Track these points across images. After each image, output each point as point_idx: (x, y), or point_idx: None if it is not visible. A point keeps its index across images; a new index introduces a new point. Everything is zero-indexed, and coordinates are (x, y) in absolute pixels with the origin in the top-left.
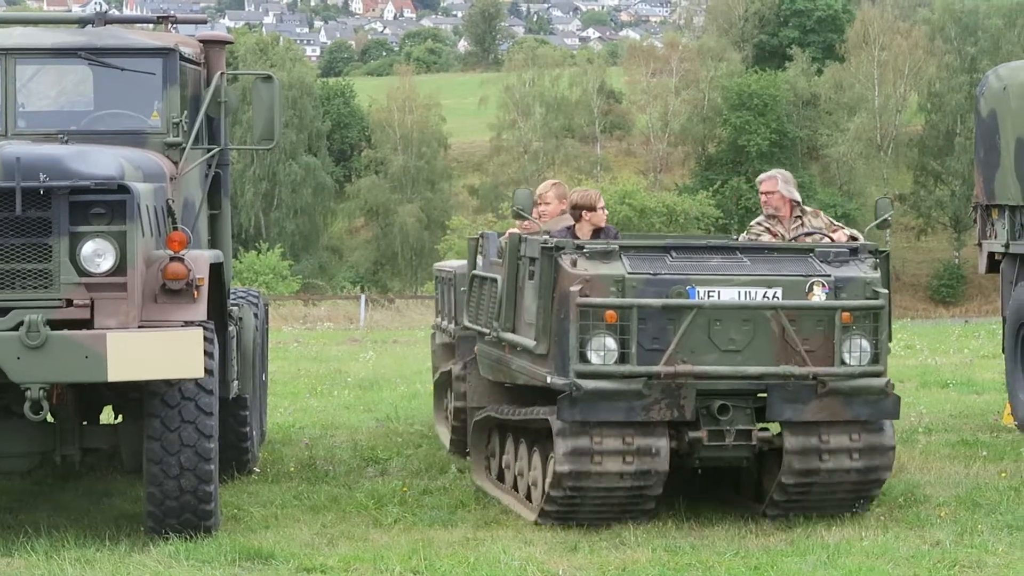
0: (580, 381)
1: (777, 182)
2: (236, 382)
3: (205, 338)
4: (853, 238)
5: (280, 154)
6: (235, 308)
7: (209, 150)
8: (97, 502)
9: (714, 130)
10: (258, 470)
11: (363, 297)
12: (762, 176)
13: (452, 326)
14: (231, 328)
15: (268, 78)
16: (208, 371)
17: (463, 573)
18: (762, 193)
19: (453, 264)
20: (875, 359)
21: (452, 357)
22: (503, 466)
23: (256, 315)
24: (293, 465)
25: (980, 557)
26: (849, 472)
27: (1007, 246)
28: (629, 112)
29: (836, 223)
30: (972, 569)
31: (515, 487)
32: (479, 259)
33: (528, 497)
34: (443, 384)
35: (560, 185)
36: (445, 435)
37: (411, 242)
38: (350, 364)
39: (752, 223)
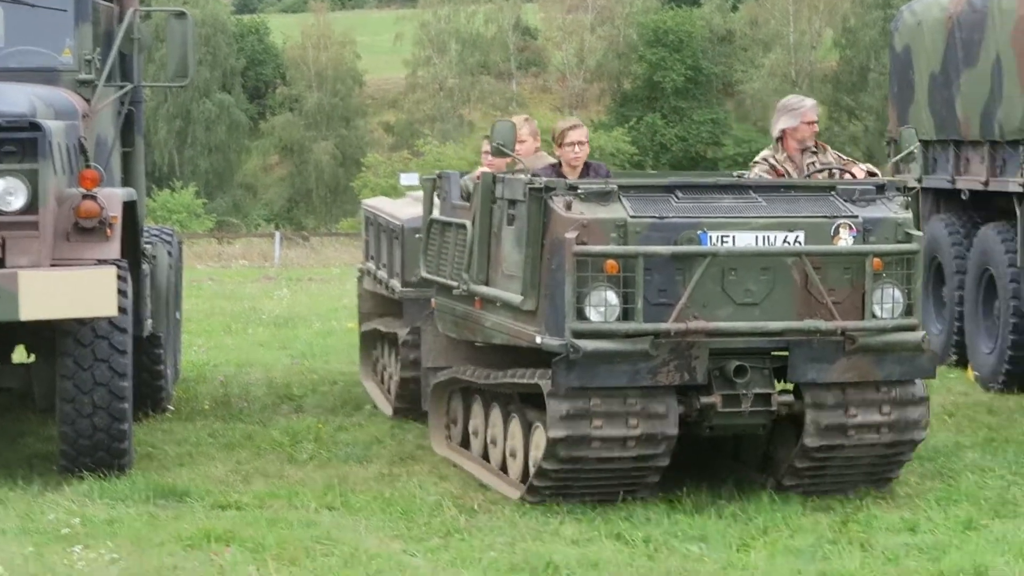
0: (578, 342)
1: (817, 110)
2: (150, 320)
3: (118, 276)
4: (871, 174)
5: (194, 92)
6: (149, 246)
7: (122, 87)
8: (10, 442)
9: (630, 66)
10: (172, 408)
11: (278, 235)
12: (801, 103)
13: (394, 282)
14: (145, 266)
15: (181, 15)
16: (122, 309)
17: (378, 509)
18: (805, 123)
19: (383, 204)
20: (908, 311)
21: (383, 307)
22: (470, 432)
23: (170, 253)
24: (208, 403)
25: None
26: (879, 441)
27: (920, 180)
28: (545, 49)
29: (845, 157)
30: None
31: (485, 456)
32: (436, 202)
33: (504, 469)
34: (371, 337)
35: (532, 121)
36: (377, 393)
37: (326, 179)
38: (265, 302)
39: (757, 157)
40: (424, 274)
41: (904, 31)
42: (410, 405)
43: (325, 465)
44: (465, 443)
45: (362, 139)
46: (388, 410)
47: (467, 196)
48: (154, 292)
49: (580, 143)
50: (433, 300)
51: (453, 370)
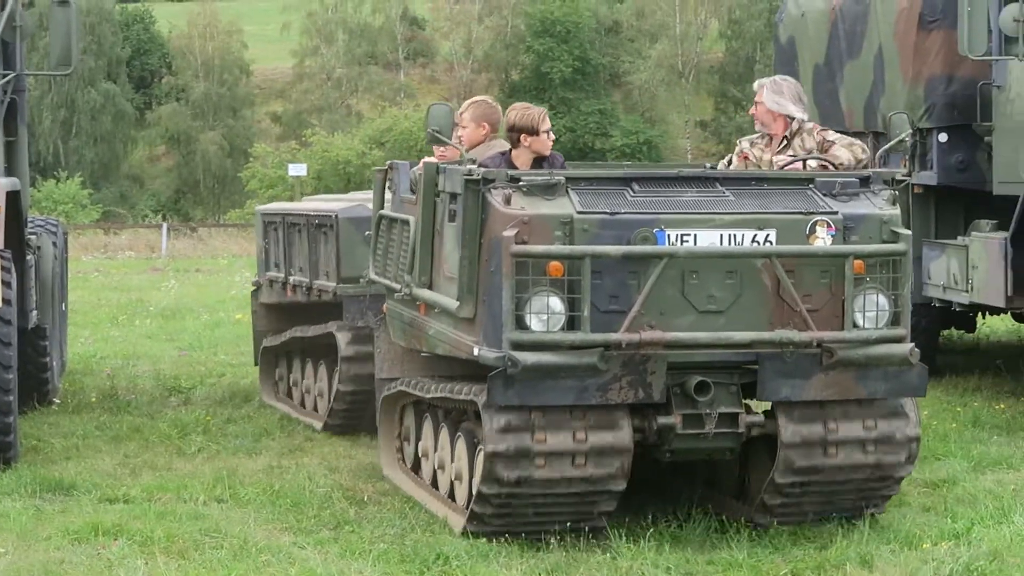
0: (517, 354)
1: (764, 91)
2: (35, 312)
3: (2, 267)
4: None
5: (78, 81)
6: (33, 237)
7: (4, 76)
8: None
9: (518, 57)
10: (58, 401)
11: (165, 226)
12: (755, 84)
13: (322, 282)
14: (29, 257)
15: (64, 2)
16: (6, 301)
17: (268, 501)
18: (754, 103)
19: (291, 205)
20: (895, 320)
21: (295, 317)
22: (419, 454)
23: (55, 244)
24: (94, 395)
25: None
26: (862, 467)
27: (910, 172)
28: (432, 39)
29: (830, 135)
30: None
31: (435, 483)
32: (387, 195)
33: (452, 495)
34: (276, 353)
35: (482, 104)
36: (289, 410)
37: (213, 170)
38: (152, 293)
39: (741, 140)
40: (372, 275)
41: (788, 23)
42: (345, 421)
43: (214, 457)
44: (418, 465)
45: (250, 129)
46: (315, 424)
47: (414, 188)
48: (39, 283)
49: (551, 130)
50: (385, 305)
51: (400, 382)
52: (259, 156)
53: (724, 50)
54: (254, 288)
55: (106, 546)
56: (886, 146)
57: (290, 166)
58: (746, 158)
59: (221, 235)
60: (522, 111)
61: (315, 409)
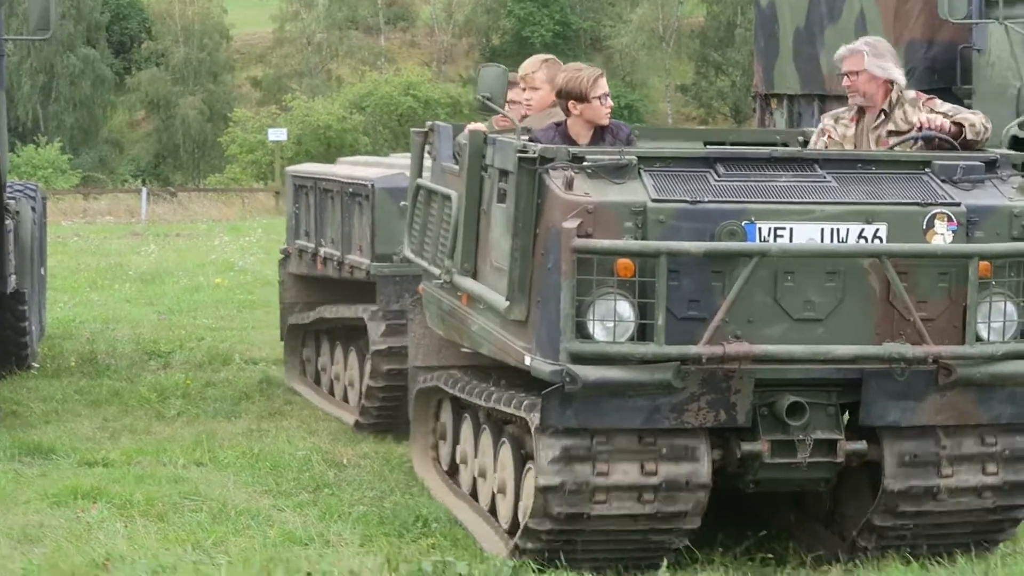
0: (576, 368)
1: (865, 57)
2: (13, 276)
3: None
4: (960, 126)
5: (58, 46)
6: (12, 202)
7: None
8: None
9: (498, 21)
10: (38, 365)
11: (144, 191)
12: (843, 50)
13: (354, 257)
14: (8, 222)
15: None
16: None
17: (247, 464)
18: (845, 74)
19: (324, 168)
20: None
21: (327, 293)
22: (457, 458)
23: (34, 209)
24: (74, 360)
25: None
26: (978, 509)
27: None
28: (413, 3)
29: (942, 107)
30: None
31: (474, 493)
32: (427, 163)
33: (493, 511)
34: (303, 332)
35: (555, 63)
36: (318, 400)
37: (193, 135)
38: (131, 258)
39: (824, 116)
40: (407, 253)
41: None
42: (378, 420)
43: (193, 421)
44: (455, 469)
45: (229, 94)
46: (346, 419)
47: (458, 158)
48: (18, 248)
49: (607, 94)
50: (421, 286)
51: (438, 375)
52: (239, 121)
53: (705, 14)
54: (282, 257)
55: (85, 509)
56: (1013, 123)
57: (270, 131)
58: (829, 137)
59: (201, 200)
60: (572, 73)
61: (345, 399)
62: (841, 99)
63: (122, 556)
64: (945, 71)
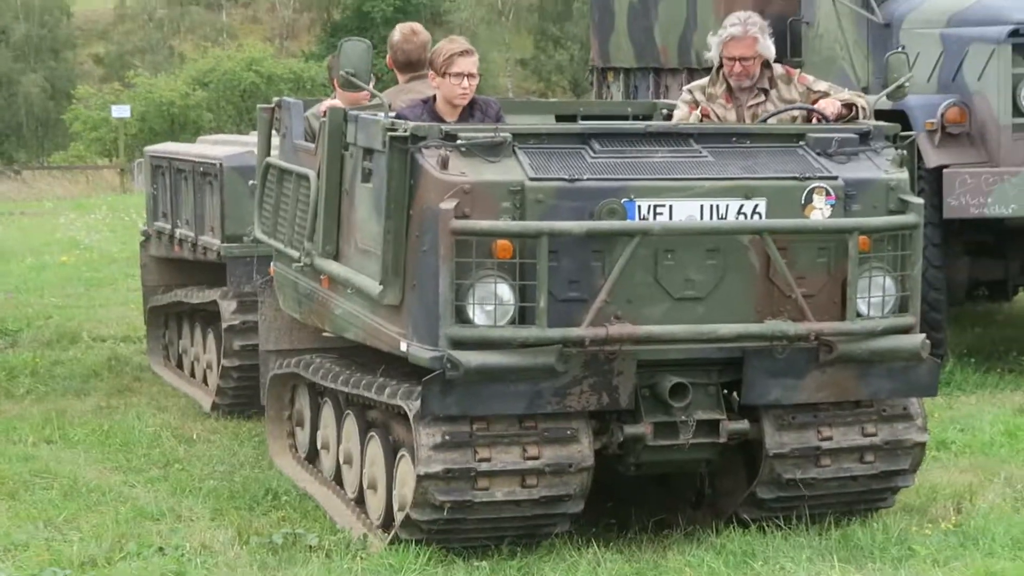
0: (458, 354)
1: (757, 42)
2: None
3: None
4: (851, 108)
5: None
6: None
7: None
8: None
9: None
10: None
11: None
12: (726, 32)
13: (207, 238)
14: None
15: None
16: None
17: (97, 441)
18: (730, 59)
19: (181, 148)
20: (903, 306)
21: (183, 275)
22: (318, 444)
23: None
24: None
25: None
26: (856, 479)
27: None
28: None
29: (817, 84)
30: None
31: (338, 479)
32: (275, 141)
33: (359, 500)
34: (163, 313)
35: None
36: (180, 384)
37: (36, 112)
38: None
39: (684, 89)
40: (258, 234)
41: None
42: (235, 400)
43: (43, 399)
44: (315, 455)
45: (72, 71)
46: (204, 403)
47: (313, 136)
48: None
49: (470, 75)
50: (271, 266)
51: (296, 361)
52: (82, 98)
53: None
54: (143, 239)
55: None
56: (887, 90)
57: (113, 108)
58: (706, 115)
59: (46, 178)
60: (438, 45)
61: (205, 382)
62: (674, 72)
63: None
64: (776, 43)
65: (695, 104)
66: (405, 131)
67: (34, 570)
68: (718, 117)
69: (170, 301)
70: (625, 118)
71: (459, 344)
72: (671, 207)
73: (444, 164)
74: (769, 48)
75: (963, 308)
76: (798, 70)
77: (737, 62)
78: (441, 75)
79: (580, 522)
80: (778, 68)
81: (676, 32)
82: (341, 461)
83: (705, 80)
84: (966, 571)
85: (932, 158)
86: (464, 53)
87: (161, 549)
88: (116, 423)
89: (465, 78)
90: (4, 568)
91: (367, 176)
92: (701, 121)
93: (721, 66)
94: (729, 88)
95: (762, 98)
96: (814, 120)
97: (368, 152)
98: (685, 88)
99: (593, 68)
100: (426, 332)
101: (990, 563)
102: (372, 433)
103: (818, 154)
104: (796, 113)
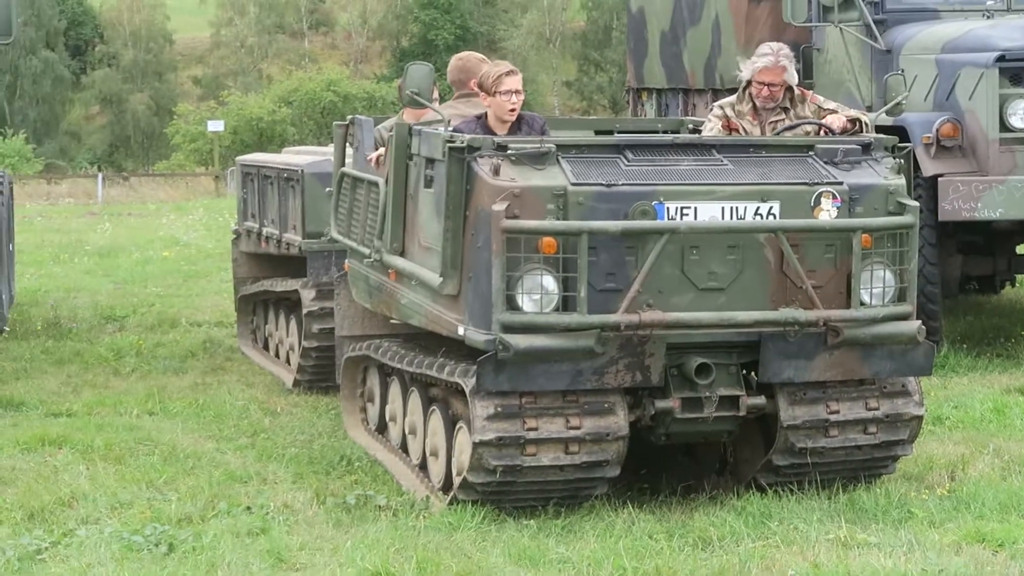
0: (508, 337)
1: (785, 72)
2: None
3: None
4: (855, 123)
5: (20, 49)
6: None
7: None
8: None
9: (407, 26)
10: (8, 329)
11: (100, 176)
12: (761, 63)
13: (290, 235)
14: None
15: None
16: None
17: (193, 414)
18: (759, 83)
19: (267, 157)
20: (901, 296)
21: (269, 267)
22: (386, 417)
23: (2, 192)
24: (40, 324)
25: None
26: (861, 448)
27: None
28: (332, 10)
29: (827, 104)
30: None
31: (404, 447)
32: (348, 152)
33: (423, 466)
34: (252, 301)
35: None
36: (265, 363)
37: (142, 127)
38: (89, 235)
39: (714, 105)
40: (334, 234)
41: None
42: (314, 377)
43: (146, 376)
44: (384, 427)
45: (173, 91)
46: (287, 380)
47: (382, 148)
48: None
49: (517, 92)
50: (346, 262)
51: (367, 345)
52: (182, 114)
53: (585, 19)
54: (234, 237)
55: (52, 454)
56: (884, 108)
57: (209, 123)
58: (734, 129)
59: (150, 183)
60: (486, 68)
61: (287, 362)
62: (700, 92)
63: (85, 494)
64: None
65: (726, 119)
66: (462, 143)
67: (137, 526)
68: (745, 132)
69: (257, 291)
70: (656, 132)
71: (509, 328)
72: (696, 209)
73: (496, 171)
74: (793, 76)
75: (956, 300)
76: (811, 91)
77: (766, 87)
78: (491, 95)
79: (616, 486)
80: (796, 91)
81: (702, 57)
82: (406, 432)
83: (733, 98)
84: (959, 532)
85: (928, 168)
86: (510, 73)
87: (248, 508)
88: (210, 398)
89: (513, 95)
90: (111, 524)
91: (429, 182)
92: (730, 134)
93: (748, 86)
94: (755, 106)
95: (782, 115)
96: (823, 133)
97: (430, 161)
98: (716, 104)
99: (629, 89)
100: (481, 318)
101: (980, 525)
102: (434, 407)
103: (826, 163)
104: (808, 128)
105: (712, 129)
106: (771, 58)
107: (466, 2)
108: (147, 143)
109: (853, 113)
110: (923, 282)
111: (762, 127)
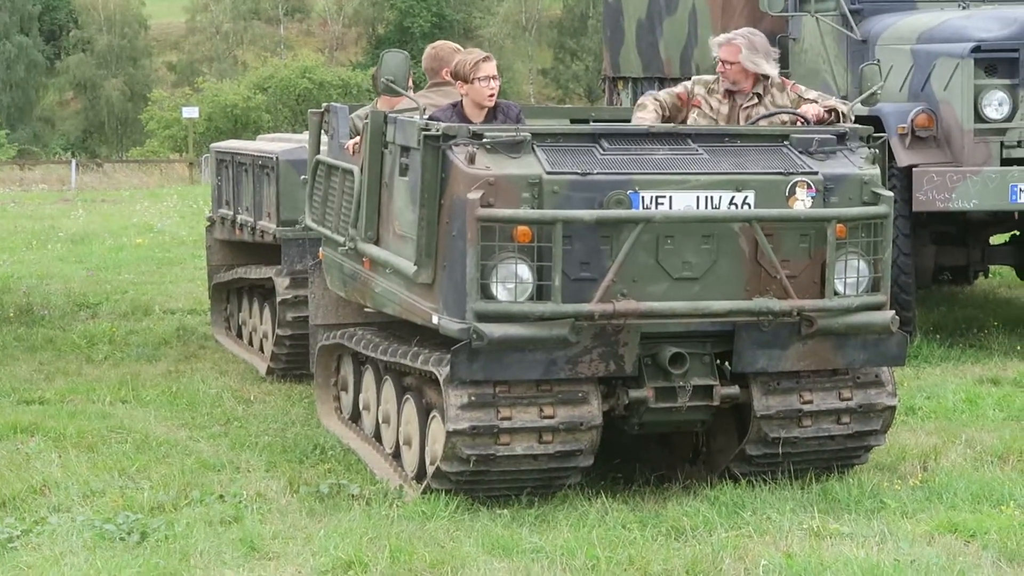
0: (483, 326)
1: (740, 51)
2: None
3: None
4: (833, 112)
5: None
6: None
7: None
8: None
9: (383, 13)
10: None
11: (74, 162)
12: (721, 38)
13: (265, 223)
14: None
15: None
16: None
17: (166, 402)
18: (720, 61)
19: (241, 144)
20: (875, 286)
21: (243, 255)
22: (360, 406)
23: None
24: (12, 311)
25: None
26: (834, 438)
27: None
28: None
29: (808, 93)
30: None
31: (377, 436)
32: (324, 140)
33: (396, 455)
34: (226, 289)
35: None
36: (238, 351)
37: (116, 113)
38: (62, 221)
39: (695, 84)
40: (309, 222)
41: None
42: (287, 365)
43: (119, 364)
44: (358, 416)
45: (148, 77)
46: (260, 368)
47: (357, 136)
48: None
49: (494, 77)
50: (320, 250)
51: (341, 333)
52: (156, 100)
53: (561, 7)
54: (208, 224)
55: (24, 442)
56: (860, 98)
57: (184, 109)
58: (698, 105)
59: (124, 170)
60: (460, 56)
61: (261, 350)
62: (677, 81)
63: (57, 482)
64: None
65: (692, 97)
66: (437, 131)
67: (110, 514)
68: (710, 107)
69: (231, 278)
70: (631, 122)
71: (484, 317)
72: (671, 198)
73: (471, 160)
74: (758, 64)
75: (930, 290)
76: (792, 80)
77: (722, 63)
78: (468, 82)
79: (590, 476)
80: (776, 79)
81: (679, 46)
82: (380, 421)
83: (711, 77)
84: (931, 522)
85: (903, 158)
86: (486, 59)
87: (221, 496)
88: (183, 385)
89: (491, 80)
90: (83, 512)
91: (404, 171)
92: (696, 120)
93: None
94: (729, 90)
95: (755, 101)
96: (798, 123)
97: (405, 150)
98: (697, 78)
99: (605, 78)
100: (455, 307)
101: (952, 515)
102: (407, 396)
103: (800, 152)
104: (784, 117)
105: (644, 118)
106: (728, 36)
107: None
108: (121, 129)
109: (833, 102)
110: (897, 272)
111: (732, 110)
